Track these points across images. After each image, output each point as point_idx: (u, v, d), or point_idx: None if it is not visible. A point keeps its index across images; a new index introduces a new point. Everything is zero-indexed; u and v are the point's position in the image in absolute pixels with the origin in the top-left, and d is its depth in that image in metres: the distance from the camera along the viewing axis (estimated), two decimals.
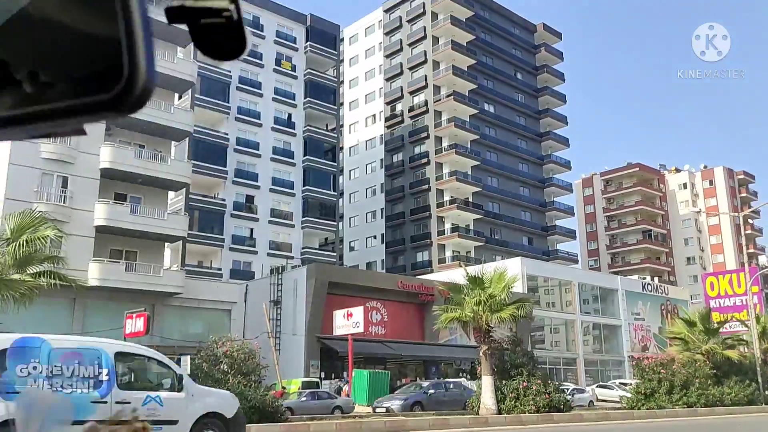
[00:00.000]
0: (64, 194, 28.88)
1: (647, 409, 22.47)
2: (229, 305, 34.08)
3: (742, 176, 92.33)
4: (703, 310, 28.82)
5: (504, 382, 22.43)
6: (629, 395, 31.53)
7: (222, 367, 15.37)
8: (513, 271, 27.78)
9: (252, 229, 52.14)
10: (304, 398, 24.91)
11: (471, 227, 64.13)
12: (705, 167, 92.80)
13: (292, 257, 51.29)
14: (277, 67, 56.10)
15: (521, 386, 21.95)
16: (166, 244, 40.23)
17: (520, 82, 73.95)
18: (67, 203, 28.99)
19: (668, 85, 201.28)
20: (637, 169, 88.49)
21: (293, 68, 58.00)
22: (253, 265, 50.70)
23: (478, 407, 22.18)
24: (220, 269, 49.04)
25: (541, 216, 71.62)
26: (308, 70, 57.97)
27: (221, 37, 0.70)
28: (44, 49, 0.71)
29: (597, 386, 42.20)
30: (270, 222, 52.99)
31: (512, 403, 21.84)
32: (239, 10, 0.70)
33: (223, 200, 50.67)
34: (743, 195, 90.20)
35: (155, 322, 30.31)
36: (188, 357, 16.29)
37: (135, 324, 24.33)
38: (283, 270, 39.61)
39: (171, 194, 44.35)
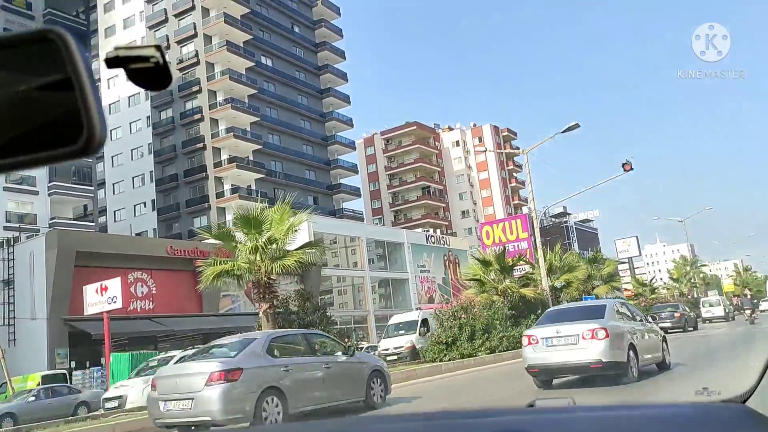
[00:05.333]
0: None
1: (450, 360, 20.62)
2: None
3: (506, 133, 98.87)
4: (498, 250, 28.22)
5: None
6: (422, 346, 30.18)
7: None
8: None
9: None
10: (32, 398, 19.05)
11: (253, 188, 59.57)
12: (474, 125, 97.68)
13: (38, 230, 42.75)
14: (7, 4, 46.09)
15: None
16: None
17: (297, 35, 70.18)
18: None
19: (444, 44, 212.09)
20: (415, 127, 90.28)
21: (28, 6, 48.37)
22: None
23: None
24: None
25: (326, 174, 69.37)
26: (48, 10, 48.52)
27: (150, 74, 0.87)
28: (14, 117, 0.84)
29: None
30: (5, 189, 43.66)
31: None
32: (163, 56, 0.87)
33: None
34: (507, 150, 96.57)
35: None
36: None
37: None
38: (16, 242, 31.96)
39: None
